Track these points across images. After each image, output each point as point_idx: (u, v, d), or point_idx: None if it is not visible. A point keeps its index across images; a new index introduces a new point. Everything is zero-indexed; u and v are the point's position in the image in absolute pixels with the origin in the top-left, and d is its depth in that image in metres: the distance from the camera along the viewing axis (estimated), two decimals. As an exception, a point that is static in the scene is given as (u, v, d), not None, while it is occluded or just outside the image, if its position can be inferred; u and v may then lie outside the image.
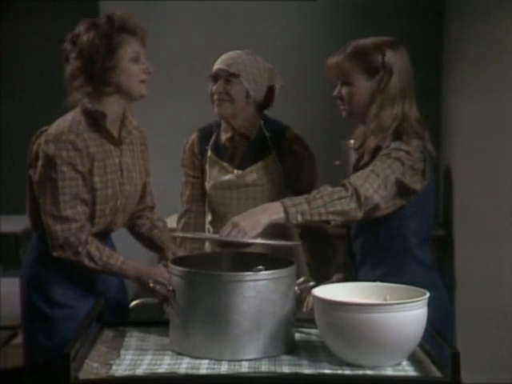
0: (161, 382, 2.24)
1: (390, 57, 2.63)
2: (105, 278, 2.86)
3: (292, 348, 2.42)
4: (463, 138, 4.78)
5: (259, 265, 2.37)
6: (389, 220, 2.60)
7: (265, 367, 2.28)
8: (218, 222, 3.27)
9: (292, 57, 5.33)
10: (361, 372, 2.23)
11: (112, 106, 2.81)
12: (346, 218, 2.52)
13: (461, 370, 2.15)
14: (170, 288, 2.43)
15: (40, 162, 2.77)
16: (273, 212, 2.48)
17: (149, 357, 2.37)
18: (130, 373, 2.24)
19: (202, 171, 3.30)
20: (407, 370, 2.26)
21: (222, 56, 3.22)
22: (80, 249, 2.73)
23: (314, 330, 2.50)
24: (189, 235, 2.41)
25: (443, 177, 5.18)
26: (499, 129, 3.97)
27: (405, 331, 2.21)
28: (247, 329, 2.34)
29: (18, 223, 5.19)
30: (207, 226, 3.36)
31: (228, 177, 3.24)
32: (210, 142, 3.29)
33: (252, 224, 2.46)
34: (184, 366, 2.30)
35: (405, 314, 2.20)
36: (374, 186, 2.52)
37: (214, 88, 3.18)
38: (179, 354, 2.39)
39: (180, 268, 2.41)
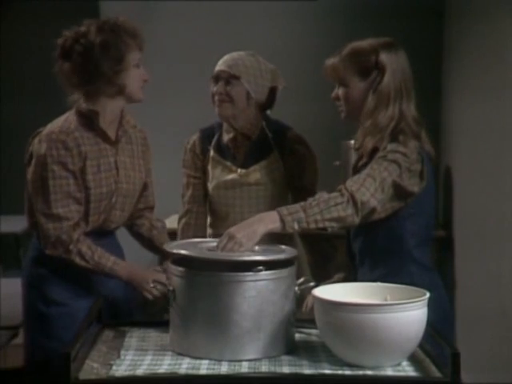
0: (161, 383, 2.24)
1: (384, 57, 2.64)
2: (103, 277, 2.86)
3: (292, 348, 2.42)
4: (463, 137, 4.78)
5: (259, 265, 2.36)
6: (386, 221, 2.60)
7: (265, 367, 2.29)
8: (219, 223, 3.27)
9: (292, 57, 5.32)
10: (361, 372, 2.23)
11: (109, 107, 2.85)
12: (342, 224, 2.52)
13: (461, 370, 2.15)
14: (171, 288, 2.43)
15: (33, 161, 2.82)
16: (269, 222, 2.46)
17: (149, 357, 2.37)
18: (131, 373, 2.24)
19: (204, 172, 3.30)
20: (407, 370, 2.26)
21: (224, 57, 3.22)
22: (71, 247, 2.77)
23: (314, 331, 2.50)
24: (183, 252, 2.36)
25: (443, 177, 5.18)
26: (499, 129, 3.97)
27: (405, 331, 2.21)
28: (247, 329, 2.34)
29: (18, 223, 5.18)
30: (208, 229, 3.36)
31: (231, 176, 3.24)
32: (213, 142, 3.29)
33: (248, 235, 2.44)
34: (184, 366, 2.30)
35: (405, 314, 2.20)
36: (371, 190, 2.52)
37: (215, 89, 3.18)
38: (179, 354, 2.39)
39: (180, 268, 2.41)
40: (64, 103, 2.89)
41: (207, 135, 3.31)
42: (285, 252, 2.49)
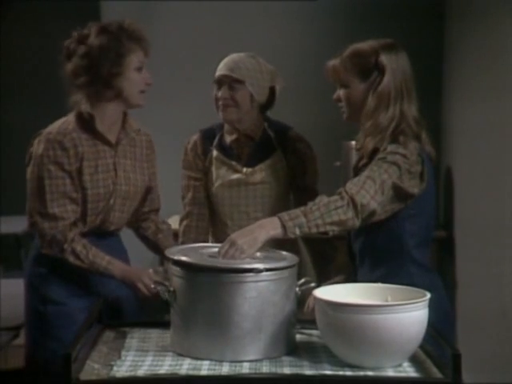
0: (162, 383, 2.24)
1: (384, 58, 2.64)
2: (104, 277, 2.87)
3: (293, 349, 2.42)
4: (464, 138, 4.78)
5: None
6: (386, 222, 2.60)
7: (266, 368, 2.28)
8: (220, 228, 3.27)
9: (292, 57, 5.32)
10: (362, 373, 2.23)
11: (108, 110, 2.87)
12: (343, 228, 2.52)
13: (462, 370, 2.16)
14: (171, 289, 2.43)
15: (31, 162, 2.85)
16: (270, 228, 2.45)
17: (150, 358, 2.37)
18: (131, 374, 2.24)
19: (205, 173, 3.29)
20: (408, 371, 2.26)
21: (225, 60, 3.20)
22: (65, 246, 2.79)
23: (314, 331, 2.50)
24: (184, 259, 2.34)
25: (444, 177, 5.18)
26: (500, 129, 3.97)
27: (406, 332, 2.21)
28: (248, 330, 2.34)
29: (18, 224, 5.19)
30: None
31: (236, 176, 3.24)
32: (214, 143, 3.28)
33: (249, 242, 2.43)
34: (185, 366, 2.30)
35: (406, 315, 2.20)
36: (371, 192, 2.52)
37: (219, 94, 3.17)
38: (180, 354, 2.39)
39: (181, 269, 2.41)
40: (64, 103, 2.90)
41: (208, 136, 3.31)
42: (286, 259, 2.47)
